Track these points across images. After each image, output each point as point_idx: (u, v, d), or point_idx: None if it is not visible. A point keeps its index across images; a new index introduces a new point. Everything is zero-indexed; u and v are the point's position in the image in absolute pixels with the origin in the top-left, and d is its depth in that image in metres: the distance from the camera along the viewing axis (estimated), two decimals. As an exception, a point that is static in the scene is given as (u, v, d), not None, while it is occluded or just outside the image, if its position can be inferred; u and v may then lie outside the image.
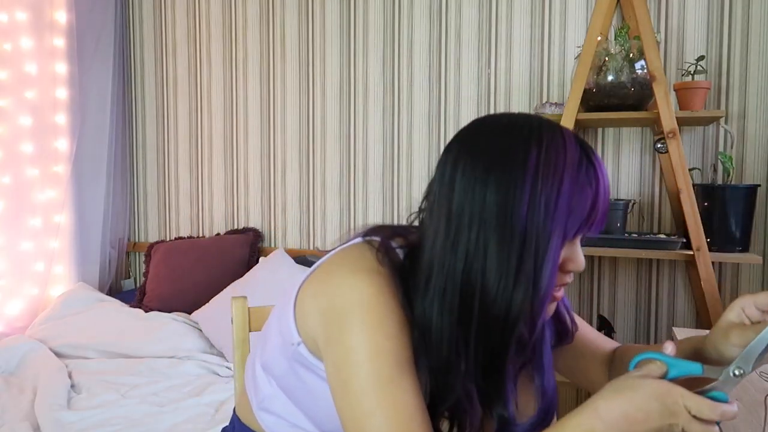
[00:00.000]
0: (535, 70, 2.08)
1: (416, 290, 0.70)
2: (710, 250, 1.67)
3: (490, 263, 0.66)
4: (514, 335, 0.68)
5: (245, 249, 2.38)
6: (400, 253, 0.74)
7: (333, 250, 0.79)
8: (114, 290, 2.63)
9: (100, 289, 2.48)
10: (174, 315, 2.08)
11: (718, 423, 0.59)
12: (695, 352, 0.75)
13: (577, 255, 0.71)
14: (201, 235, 2.61)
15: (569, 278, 0.73)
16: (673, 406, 0.59)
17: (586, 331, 0.93)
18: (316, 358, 0.75)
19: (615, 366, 0.89)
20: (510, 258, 0.66)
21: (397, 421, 0.64)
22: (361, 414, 0.65)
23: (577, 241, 0.71)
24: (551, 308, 0.74)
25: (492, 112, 2.13)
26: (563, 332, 0.87)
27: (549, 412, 0.77)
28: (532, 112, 2.01)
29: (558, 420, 0.63)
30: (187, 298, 2.22)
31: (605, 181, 0.69)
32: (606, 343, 0.92)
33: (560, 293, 0.75)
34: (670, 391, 0.59)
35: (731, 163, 1.74)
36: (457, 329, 0.68)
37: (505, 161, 0.67)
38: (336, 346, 0.68)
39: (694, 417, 0.58)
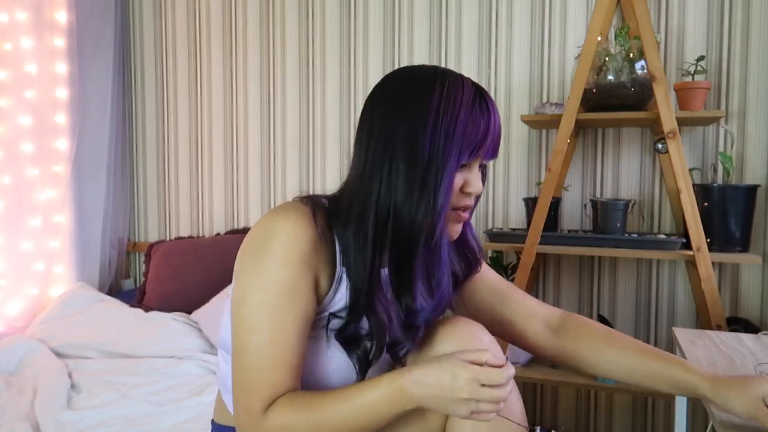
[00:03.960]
0: (535, 70, 2.08)
1: (338, 220, 0.82)
2: (710, 250, 1.67)
3: (399, 186, 0.78)
4: (420, 242, 0.79)
5: (245, 249, 2.37)
6: (326, 202, 0.85)
7: None
8: (114, 290, 2.63)
9: (100, 289, 2.48)
10: (174, 315, 2.08)
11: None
12: (678, 384, 0.87)
13: (473, 179, 0.82)
14: (201, 235, 2.60)
15: (470, 201, 0.84)
16: (462, 381, 0.69)
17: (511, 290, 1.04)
18: None
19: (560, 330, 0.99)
20: (415, 180, 0.77)
21: (275, 343, 0.74)
22: (246, 329, 0.75)
23: (475, 168, 0.83)
24: (457, 228, 0.86)
25: (492, 112, 2.13)
26: (472, 258, 0.98)
27: (442, 300, 0.86)
28: (532, 112, 2.01)
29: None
30: (187, 298, 2.22)
31: (495, 115, 0.81)
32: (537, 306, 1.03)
33: (465, 214, 0.85)
34: (465, 368, 0.70)
35: (731, 164, 1.74)
36: (372, 246, 0.80)
37: (413, 99, 0.79)
38: (242, 270, 0.78)
39: (484, 386, 0.69)
